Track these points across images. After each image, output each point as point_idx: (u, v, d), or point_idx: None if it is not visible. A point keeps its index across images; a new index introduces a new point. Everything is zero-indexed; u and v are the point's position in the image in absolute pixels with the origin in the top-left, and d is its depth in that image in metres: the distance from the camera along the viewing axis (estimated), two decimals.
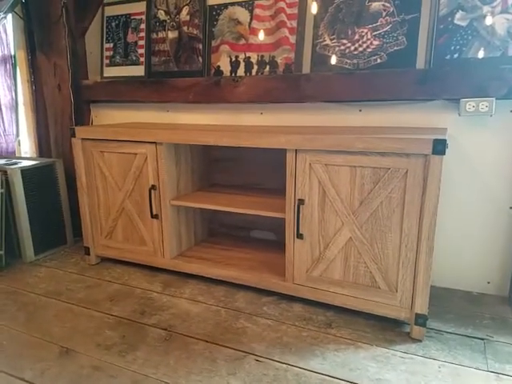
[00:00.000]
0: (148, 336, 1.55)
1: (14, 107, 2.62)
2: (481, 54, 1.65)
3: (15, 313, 1.73)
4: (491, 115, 1.65)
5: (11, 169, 2.12)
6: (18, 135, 2.67)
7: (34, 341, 1.53)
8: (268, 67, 2.03)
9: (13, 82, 2.59)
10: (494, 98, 1.61)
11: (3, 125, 2.60)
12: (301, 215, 1.62)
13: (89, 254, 2.19)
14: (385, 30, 1.79)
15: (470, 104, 1.65)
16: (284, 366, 1.37)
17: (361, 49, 1.84)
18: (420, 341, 1.49)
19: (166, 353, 1.44)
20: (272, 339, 1.52)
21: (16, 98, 2.62)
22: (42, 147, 2.66)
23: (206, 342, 1.50)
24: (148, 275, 2.06)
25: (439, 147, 1.33)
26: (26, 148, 2.70)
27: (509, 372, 1.33)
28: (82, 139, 2.04)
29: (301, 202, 1.60)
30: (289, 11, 1.95)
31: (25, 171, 2.17)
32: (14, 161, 2.31)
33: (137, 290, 1.91)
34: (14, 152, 2.66)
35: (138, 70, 2.34)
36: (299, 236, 1.64)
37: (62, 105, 2.43)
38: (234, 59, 2.10)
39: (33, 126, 2.63)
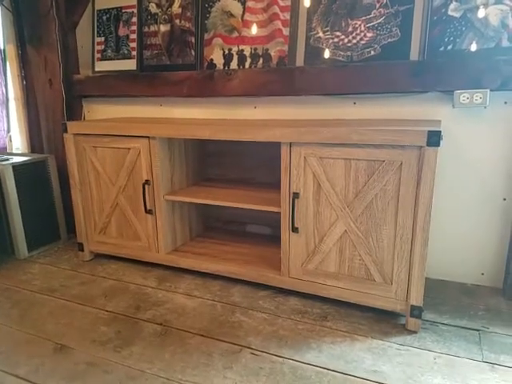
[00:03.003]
0: (143, 331, 1.54)
1: (5, 102, 2.58)
2: (475, 46, 1.64)
3: (9, 310, 1.71)
4: (485, 107, 1.65)
5: (3, 165, 2.09)
6: (9, 131, 2.63)
7: (28, 337, 1.52)
8: (261, 60, 2.01)
9: (3, 77, 2.55)
10: (488, 90, 1.60)
11: None
12: (296, 209, 1.61)
13: (83, 250, 2.17)
14: (378, 21, 1.78)
15: (464, 96, 1.65)
16: (280, 359, 1.37)
17: (354, 41, 1.83)
18: (415, 332, 1.50)
19: (161, 347, 1.44)
20: (268, 333, 1.51)
21: (6, 93, 2.58)
22: (34, 143, 2.63)
23: (202, 336, 1.50)
24: (143, 270, 2.04)
25: (434, 139, 1.33)
26: (18, 144, 2.66)
27: (503, 362, 1.34)
28: (74, 134, 2.01)
29: (295, 195, 1.59)
30: (281, 3, 1.93)
31: (17, 167, 2.14)
32: (5, 157, 2.28)
33: (131, 285, 1.90)
34: (5, 148, 2.62)
35: (130, 64, 2.31)
36: (294, 230, 1.63)
37: (54, 100, 2.40)
38: (227, 52, 2.08)
39: (24, 121, 2.60)
